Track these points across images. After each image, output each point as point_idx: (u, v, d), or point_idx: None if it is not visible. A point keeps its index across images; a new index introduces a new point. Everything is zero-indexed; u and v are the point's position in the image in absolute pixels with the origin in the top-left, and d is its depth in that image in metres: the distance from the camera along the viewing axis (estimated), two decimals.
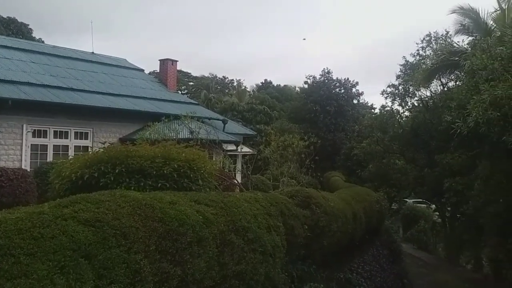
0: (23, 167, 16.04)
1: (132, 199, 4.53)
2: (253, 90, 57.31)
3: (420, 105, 26.05)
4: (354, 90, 38.31)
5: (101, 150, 6.43)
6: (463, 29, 19.97)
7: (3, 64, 18.47)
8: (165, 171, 6.02)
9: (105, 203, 4.24)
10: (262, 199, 7.43)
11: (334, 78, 37.72)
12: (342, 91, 37.58)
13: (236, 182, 13.51)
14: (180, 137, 14.61)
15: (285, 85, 60.52)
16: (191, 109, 19.64)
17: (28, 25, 42.65)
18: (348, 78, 38.17)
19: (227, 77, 63.13)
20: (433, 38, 25.43)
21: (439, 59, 19.26)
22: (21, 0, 68.55)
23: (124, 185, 5.70)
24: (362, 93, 39.45)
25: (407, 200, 35.55)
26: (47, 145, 17.35)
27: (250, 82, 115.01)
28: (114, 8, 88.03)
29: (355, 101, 39.16)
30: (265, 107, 36.95)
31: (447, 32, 24.18)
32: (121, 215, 4.14)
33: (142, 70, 27.06)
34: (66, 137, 17.88)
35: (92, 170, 5.79)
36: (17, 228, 3.40)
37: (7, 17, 41.19)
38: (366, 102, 42.27)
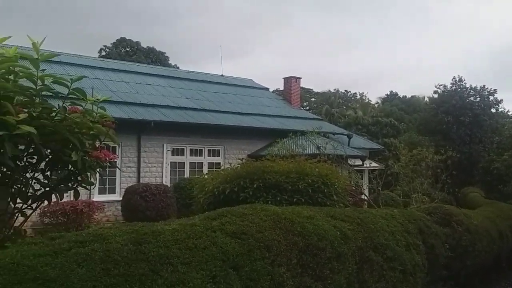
0: (163, 183, 17.49)
1: (273, 213, 4.65)
2: (377, 103, 55.69)
3: None
4: (491, 98, 35.13)
5: (238, 166, 6.74)
6: None
7: (146, 89, 20.45)
8: (300, 186, 6.09)
9: (248, 216, 4.41)
10: (398, 215, 7.13)
11: (467, 86, 35.02)
12: (478, 99, 34.69)
13: (364, 198, 13.17)
14: (307, 152, 14.73)
15: (412, 96, 57.78)
16: (315, 124, 19.69)
17: (164, 53, 46.89)
18: (484, 86, 35.17)
19: (350, 91, 62.27)
20: None
21: None
22: (158, 32, 75.53)
23: (261, 200, 5.89)
24: (501, 101, 36.02)
25: None
26: (184, 162, 18.70)
27: (374, 94, 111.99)
28: (239, 33, 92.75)
29: (493, 110, 35.85)
30: (392, 120, 35.59)
31: None
32: (263, 228, 4.27)
33: (267, 89, 27.96)
34: (201, 155, 19.10)
35: (232, 185, 6.09)
36: (174, 239, 3.68)
37: (147, 47, 45.74)
38: (507, 110, 38.57)
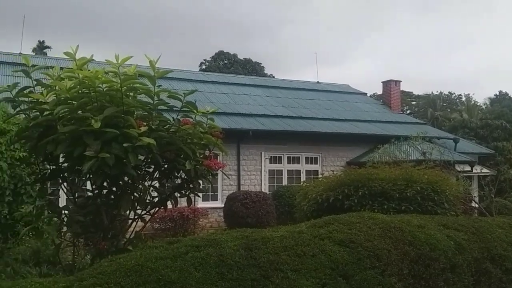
0: (262, 190, 17.79)
1: (381, 222, 4.53)
2: (485, 104, 51.79)
3: None
4: None
5: (341, 173, 6.66)
6: None
7: (244, 99, 21.03)
8: (408, 194, 5.87)
9: (356, 224, 4.34)
10: None
11: None
12: None
13: (475, 205, 12.29)
14: (411, 158, 14.12)
15: None
16: (417, 129, 18.82)
17: (260, 63, 47.98)
18: None
19: (454, 93, 58.65)
20: None
21: None
22: (254, 43, 77.43)
23: (367, 208, 5.76)
24: None
25: None
26: (282, 170, 18.87)
27: (480, 96, 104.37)
28: (334, 39, 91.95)
29: None
30: (503, 122, 32.84)
31: None
32: (372, 237, 4.17)
33: (365, 94, 27.33)
34: (298, 162, 19.14)
35: (336, 193, 6.04)
36: (282, 245, 3.73)
37: (244, 58, 47.11)
38: None
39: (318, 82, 26.44)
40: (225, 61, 47.02)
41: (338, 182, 6.23)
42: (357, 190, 5.93)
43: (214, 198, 17.46)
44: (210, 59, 47.50)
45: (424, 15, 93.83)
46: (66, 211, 4.58)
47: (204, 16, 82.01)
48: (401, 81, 25.58)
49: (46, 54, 36.45)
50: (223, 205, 16.32)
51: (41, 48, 40.53)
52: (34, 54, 32.29)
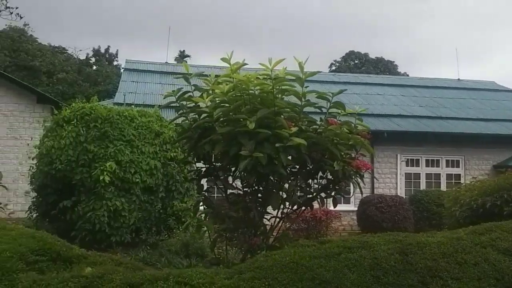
0: (398, 194, 17.06)
1: None
2: None
3: None
4: None
5: (499, 178, 6.09)
6: None
7: (377, 100, 20.39)
8: None
9: None
10: None
11: None
12: None
13: None
14: None
15: None
16: None
17: (393, 62, 46.16)
18: None
19: None
20: None
21: None
22: (385, 41, 74.84)
23: None
24: None
25: None
26: (419, 173, 17.89)
27: None
28: (476, 35, 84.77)
29: None
30: None
31: None
32: None
33: None
34: (438, 166, 17.98)
35: (494, 198, 5.54)
36: (440, 252, 3.52)
37: (375, 57, 45.78)
38: None
39: (459, 79, 24.59)
40: (356, 61, 46.18)
41: (496, 187, 5.69)
42: None
43: (347, 201, 17.19)
44: (340, 60, 47.09)
45: None
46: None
47: (333, 16, 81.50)
48: None
49: (186, 62, 39.42)
50: (356, 208, 16.02)
51: (182, 57, 43.92)
52: (176, 63, 35.13)
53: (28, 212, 9.65)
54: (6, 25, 28.62)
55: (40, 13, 51.35)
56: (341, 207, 16.82)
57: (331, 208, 15.91)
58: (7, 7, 14.05)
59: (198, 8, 75.80)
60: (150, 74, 21.06)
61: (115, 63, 39.60)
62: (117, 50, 40.52)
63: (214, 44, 67.59)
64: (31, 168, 9.76)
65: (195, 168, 4.73)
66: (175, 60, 41.50)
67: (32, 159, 9.85)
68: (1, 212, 8.24)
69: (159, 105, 11.98)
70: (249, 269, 3.34)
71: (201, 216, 4.98)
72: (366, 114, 18.33)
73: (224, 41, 65.43)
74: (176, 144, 9.76)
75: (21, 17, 14.84)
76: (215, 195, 5.93)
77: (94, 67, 36.78)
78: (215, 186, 4.84)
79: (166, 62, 23.66)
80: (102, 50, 39.28)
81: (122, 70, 25.03)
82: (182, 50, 44.87)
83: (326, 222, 15.21)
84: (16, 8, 14.81)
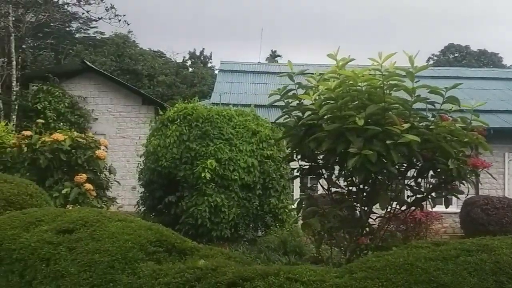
0: (506, 195, 15.81)
1: None
2: None
3: None
4: None
5: None
6: None
7: (481, 95, 19.02)
8: None
9: None
10: None
11: None
12: None
13: None
14: None
15: None
16: None
17: (497, 54, 42.82)
18: None
19: None
20: None
21: None
22: (488, 32, 69.67)
23: None
24: None
25: None
26: None
27: None
28: None
29: None
30: None
31: None
32: None
33: None
34: None
35: None
36: None
37: (478, 49, 42.79)
38: None
39: None
40: (456, 54, 43.48)
41: None
42: None
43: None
44: (438, 53, 44.67)
45: None
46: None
47: (430, 10, 77.44)
48: None
49: (277, 62, 39.75)
50: (458, 210, 15.10)
51: (273, 57, 44.39)
52: (267, 62, 35.59)
53: (136, 206, 10.32)
54: (112, 31, 30.88)
55: (139, 20, 54.72)
56: (442, 208, 15.96)
57: (431, 209, 15.23)
58: (116, 15, 15.21)
59: (287, 8, 76.16)
60: (243, 75, 21.52)
61: (209, 64, 41.07)
62: (211, 52, 42.00)
63: (303, 43, 67.46)
64: (139, 165, 10.43)
65: (298, 166, 4.74)
66: (266, 60, 42.07)
67: (140, 156, 10.52)
68: (113, 206, 8.90)
69: (264, 104, 12.13)
70: (361, 268, 3.27)
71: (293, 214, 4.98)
72: (470, 109, 17.23)
73: (313, 39, 65.12)
74: (272, 142, 9.91)
75: (128, 24, 16.01)
76: (314, 193, 5.91)
77: (190, 69, 38.42)
78: (317, 184, 4.83)
79: (258, 62, 24.09)
80: (197, 53, 40.92)
81: (217, 71, 25.90)
82: (273, 50, 45.37)
83: (426, 224, 14.51)
84: (124, 15, 15.99)
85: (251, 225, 9.66)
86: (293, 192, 11.88)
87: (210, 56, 41.60)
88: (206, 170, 8.90)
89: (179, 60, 39.41)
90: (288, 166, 10.02)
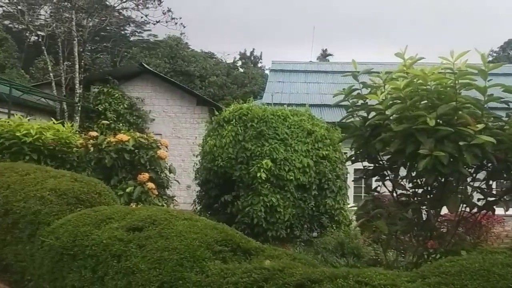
0: None
1: None
2: None
3: None
4: None
5: None
6: None
7: None
8: None
9: None
10: None
11: None
12: None
13: None
14: None
15: None
16: None
17: None
18: None
19: None
20: None
21: None
22: None
23: None
24: None
25: None
26: None
27: None
28: None
29: None
30: None
31: None
32: None
33: None
34: None
35: None
36: None
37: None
38: None
39: None
40: None
41: None
42: None
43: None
44: (498, 49, 42.70)
45: None
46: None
47: (486, 6, 74.01)
48: None
49: (328, 60, 39.35)
50: None
51: (324, 55, 44.00)
52: (318, 61, 35.28)
53: (193, 204, 10.52)
54: (165, 34, 31.68)
55: (190, 21, 55.82)
56: (502, 211, 15.23)
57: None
58: (172, 18, 15.59)
59: (339, 8, 75.21)
60: (295, 74, 21.43)
61: (259, 64, 41.26)
62: (261, 53, 42.18)
63: (353, 42, 66.39)
64: (195, 164, 10.63)
65: (363, 167, 4.66)
66: (317, 59, 41.74)
67: (196, 156, 10.72)
68: (172, 204, 9.12)
69: (317, 103, 12.06)
70: (434, 273, 3.17)
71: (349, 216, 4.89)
72: None
73: (364, 38, 63.91)
74: (327, 142, 9.81)
75: (184, 27, 16.37)
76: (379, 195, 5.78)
77: (241, 70, 38.76)
78: (381, 186, 4.73)
79: (310, 61, 23.92)
80: (248, 53, 41.21)
81: (267, 71, 25.93)
82: (324, 49, 44.96)
83: (486, 227, 13.90)
84: (180, 18, 16.37)
85: (306, 226, 9.61)
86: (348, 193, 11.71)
87: (260, 56, 41.81)
88: (262, 170, 8.94)
89: (230, 60, 39.88)
90: (344, 167, 9.89)
